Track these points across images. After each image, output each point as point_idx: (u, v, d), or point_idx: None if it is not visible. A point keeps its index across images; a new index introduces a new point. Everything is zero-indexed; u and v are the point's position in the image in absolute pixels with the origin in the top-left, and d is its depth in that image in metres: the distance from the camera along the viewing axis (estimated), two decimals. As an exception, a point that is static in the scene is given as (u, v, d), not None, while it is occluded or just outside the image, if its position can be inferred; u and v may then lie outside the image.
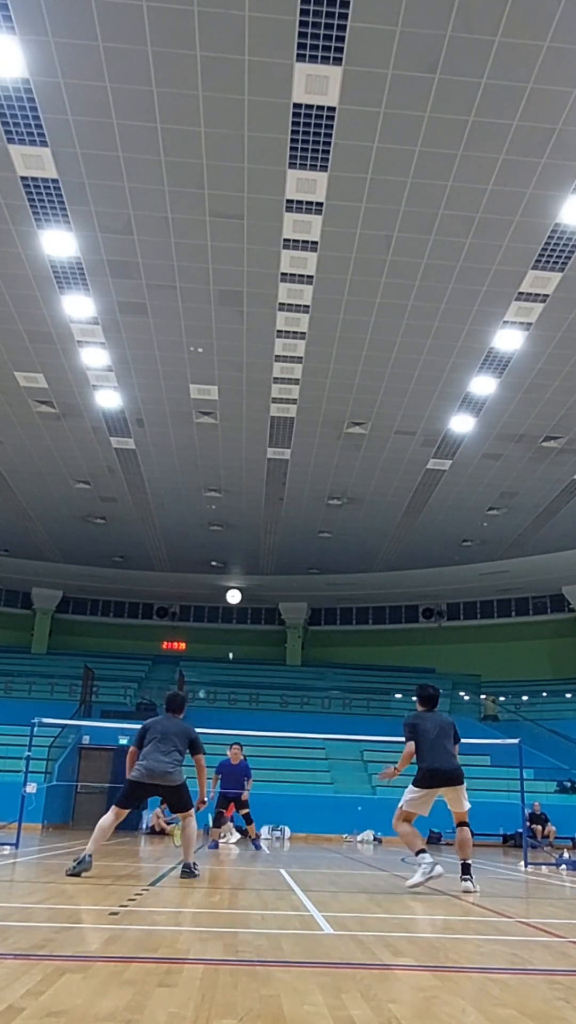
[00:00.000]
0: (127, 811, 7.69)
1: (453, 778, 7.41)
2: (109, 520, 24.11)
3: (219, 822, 13.57)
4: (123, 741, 21.66)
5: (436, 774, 7.37)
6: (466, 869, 7.23)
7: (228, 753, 13.73)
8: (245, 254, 11.78)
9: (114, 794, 20.42)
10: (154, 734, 7.66)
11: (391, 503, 21.67)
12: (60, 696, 25.98)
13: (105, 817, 7.54)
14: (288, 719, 23.92)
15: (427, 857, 7.06)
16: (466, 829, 7.57)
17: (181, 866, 7.58)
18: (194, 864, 7.50)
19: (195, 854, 7.83)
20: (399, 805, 7.57)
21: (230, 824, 14.41)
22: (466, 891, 6.99)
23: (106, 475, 20.55)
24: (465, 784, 7.54)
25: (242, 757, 13.74)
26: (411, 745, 7.45)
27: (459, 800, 7.49)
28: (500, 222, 10.90)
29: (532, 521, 22.80)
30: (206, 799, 8.20)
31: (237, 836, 14.72)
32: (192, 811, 7.78)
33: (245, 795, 13.45)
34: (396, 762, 7.82)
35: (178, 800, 7.73)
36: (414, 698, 7.90)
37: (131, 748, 7.82)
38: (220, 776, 13.41)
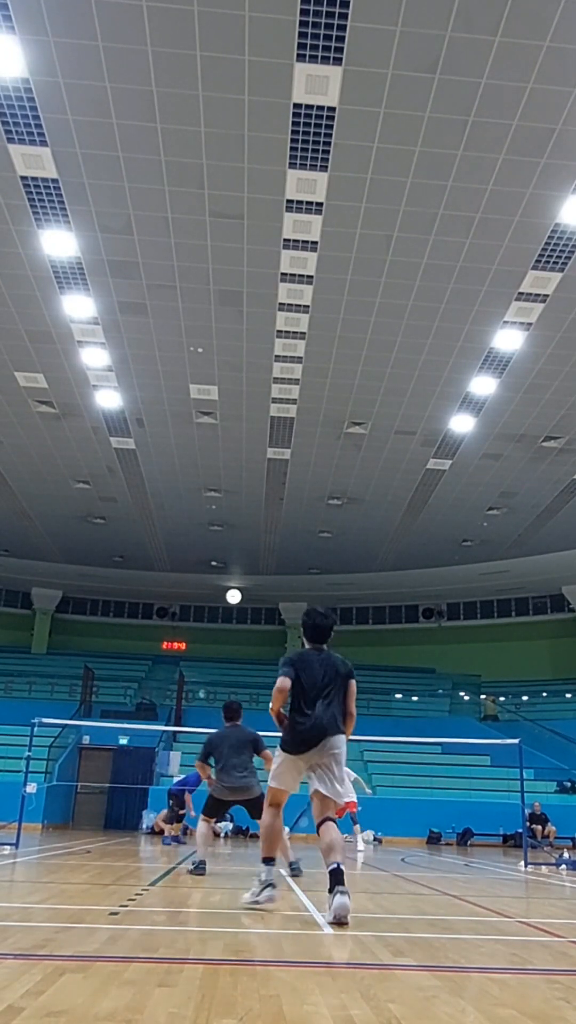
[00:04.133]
0: (214, 819, 8.46)
1: (329, 733, 5.16)
2: (109, 520, 24.11)
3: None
4: (123, 741, 21.69)
5: (311, 733, 5.15)
6: (338, 877, 4.74)
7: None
8: (245, 254, 11.78)
9: (114, 794, 20.58)
10: (223, 748, 7.98)
11: (391, 503, 21.67)
12: (60, 696, 25.99)
13: (200, 826, 8.40)
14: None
15: (266, 872, 5.26)
16: (332, 826, 5.05)
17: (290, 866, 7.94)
18: (293, 861, 8.00)
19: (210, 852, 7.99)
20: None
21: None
22: (340, 912, 4.63)
23: (106, 475, 20.55)
24: (344, 755, 5.26)
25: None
26: (285, 681, 5.20)
27: (330, 778, 5.13)
28: (500, 222, 10.90)
29: (532, 521, 22.80)
30: None
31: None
32: None
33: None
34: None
35: (259, 808, 7.77)
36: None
37: (198, 762, 8.38)
38: None
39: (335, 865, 4.77)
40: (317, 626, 5.55)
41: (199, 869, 7.80)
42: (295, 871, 7.92)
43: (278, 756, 5.34)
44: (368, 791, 13.89)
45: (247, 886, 5.52)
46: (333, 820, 5.09)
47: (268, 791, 5.43)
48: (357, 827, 14.11)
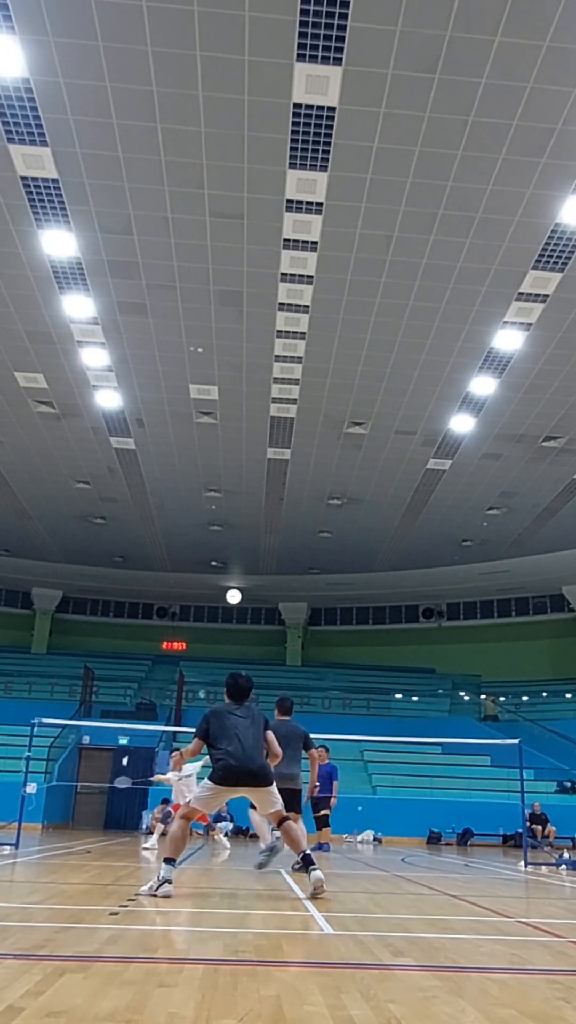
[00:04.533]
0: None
1: (259, 778, 6.22)
2: (109, 520, 24.12)
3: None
4: (123, 741, 21.69)
5: (238, 772, 6.11)
6: (308, 860, 6.14)
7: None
8: (245, 254, 11.78)
9: (114, 793, 20.56)
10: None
11: (391, 503, 21.67)
12: (60, 696, 25.99)
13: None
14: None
15: (166, 870, 5.85)
16: (291, 823, 6.36)
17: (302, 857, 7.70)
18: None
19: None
20: (187, 799, 6.70)
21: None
22: (317, 883, 5.89)
23: (106, 475, 20.55)
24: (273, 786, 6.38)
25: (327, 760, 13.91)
26: (198, 742, 6.35)
27: (269, 801, 6.31)
28: (500, 222, 10.90)
29: (532, 521, 22.80)
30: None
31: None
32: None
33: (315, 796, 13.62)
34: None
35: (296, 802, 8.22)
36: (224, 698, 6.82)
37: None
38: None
39: (303, 853, 6.23)
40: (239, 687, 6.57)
41: (272, 852, 7.42)
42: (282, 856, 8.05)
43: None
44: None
45: (247, 886, 5.53)
46: (290, 819, 6.36)
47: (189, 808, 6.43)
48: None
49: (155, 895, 5.68)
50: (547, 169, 9.95)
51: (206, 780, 6.26)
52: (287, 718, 8.88)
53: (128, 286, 12.63)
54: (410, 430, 17.30)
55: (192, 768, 12.60)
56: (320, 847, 13.57)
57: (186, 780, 12.50)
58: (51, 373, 15.41)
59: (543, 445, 17.73)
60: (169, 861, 5.90)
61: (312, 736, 9.07)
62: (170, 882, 5.76)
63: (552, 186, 10.23)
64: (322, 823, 13.90)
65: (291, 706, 9.06)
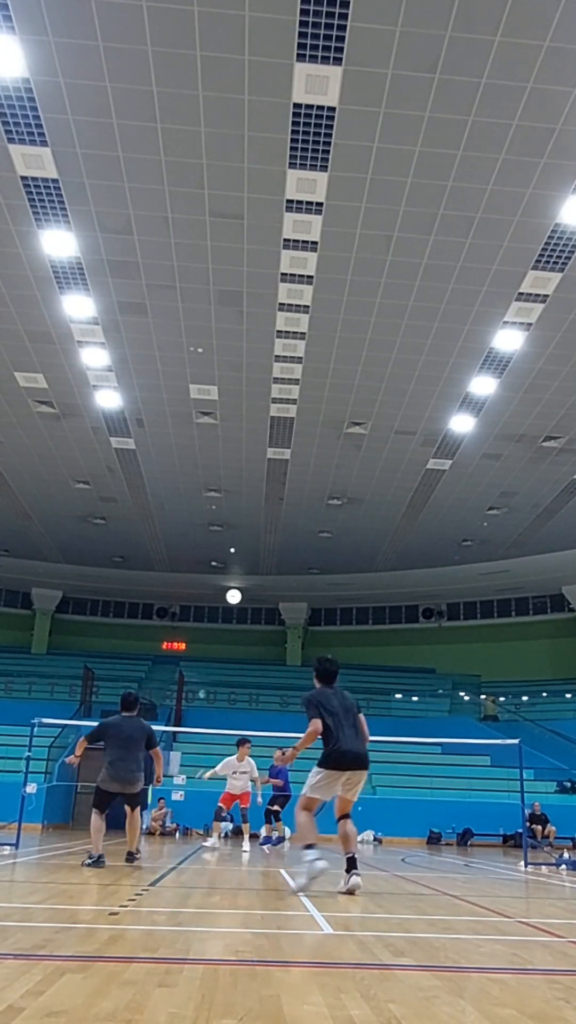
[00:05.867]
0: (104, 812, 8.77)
1: (362, 762, 6.61)
2: (109, 520, 24.11)
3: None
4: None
5: (346, 756, 6.52)
6: (352, 863, 6.55)
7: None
8: (245, 254, 11.78)
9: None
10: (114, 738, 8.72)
11: (391, 503, 21.67)
12: (60, 696, 25.98)
13: (93, 820, 8.63)
14: (288, 719, 23.84)
15: (312, 853, 6.34)
16: (350, 822, 6.78)
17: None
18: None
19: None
20: (302, 791, 6.71)
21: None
22: (353, 887, 6.39)
23: (106, 475, 20.55)
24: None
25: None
26: (317, 723, 6.56)
27: (358, 788, 6.70)
28: (500, 222, 10.90)
29: (532, 521, 22.80)
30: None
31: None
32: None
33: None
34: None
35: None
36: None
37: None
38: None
39: (351, 854, 6.56)
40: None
41: (98, 863, 8.06)
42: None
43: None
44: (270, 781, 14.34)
45: (247, 886, 5.53)
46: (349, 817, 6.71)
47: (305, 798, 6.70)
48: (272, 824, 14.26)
49: (314, 877, 6.30)
50: (547, 169, 9.95)
51: (317, 768, 6.59)
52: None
53: (128, 286, 12.63)
54: (410, 430, 17.30)
55: (250, 765, 13.29)
56: (275, 841, 14.04)
57: (239, 774, 13.16)
58: (51, 373, 15.40)
59: (543, 445, 17.73)
60: (310, 846, 6.43)
61: None
62: (320, 858, 6.28)
63: (552, 186, 10.23)
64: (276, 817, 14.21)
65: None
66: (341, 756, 6.48)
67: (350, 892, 6.37)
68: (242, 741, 13.51)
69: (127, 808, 8.75)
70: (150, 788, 14.34)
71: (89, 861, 8.15)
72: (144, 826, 17.85)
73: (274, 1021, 2.54)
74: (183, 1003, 2.73)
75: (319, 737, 6.56)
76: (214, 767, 13.64)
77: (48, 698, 25.76)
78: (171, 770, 20.48)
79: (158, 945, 3.94)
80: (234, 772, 13.28)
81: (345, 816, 6.71)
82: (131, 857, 8.74)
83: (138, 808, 8.85)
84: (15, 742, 17.61)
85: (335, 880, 6.70)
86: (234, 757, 13.43)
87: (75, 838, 15.19)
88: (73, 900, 5.62)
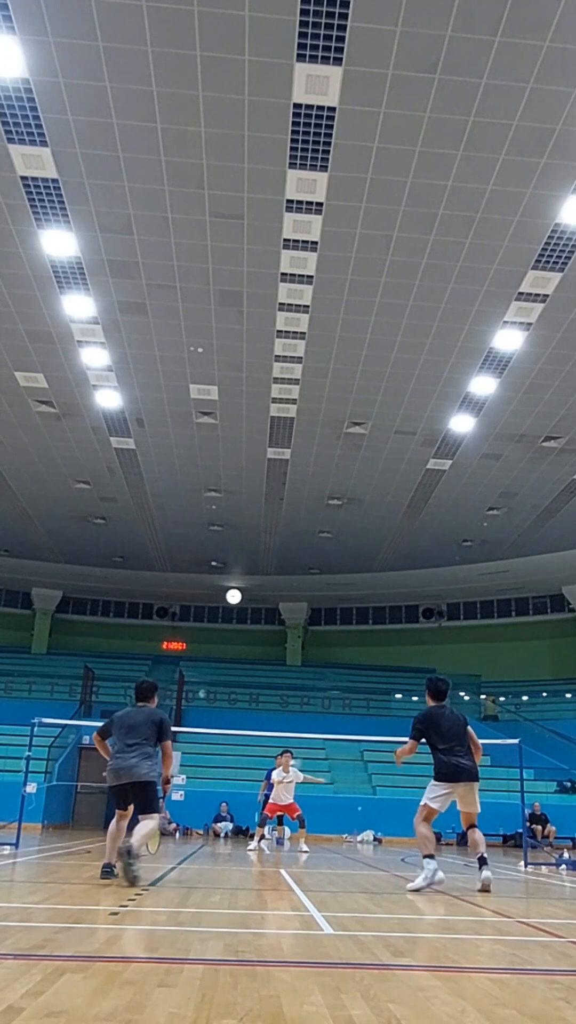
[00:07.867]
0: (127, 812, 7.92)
1: (471, 775, 7.44)
2: (109, 520, 24.11)
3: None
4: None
5: (455, 770, 7.38)
6: (483, 861, 7.35)
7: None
8: (245, 254, 11.78)
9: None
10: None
11: (391, 503, 21.66)
12: (60, 696, 25.97)
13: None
14: (288, 719, 23.91)
15: (432, 863, 7.14)
16: (478, 831, 7.59)
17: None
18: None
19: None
20: (421, 802, 7.53)
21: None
22: (486, 881, 7.17)
23: (106, 475, 20.55)
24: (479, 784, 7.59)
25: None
26: (413, 744, 7.63)
27: (475, 799, 7.51)
28: (500, 222, 10.89)
29: (532, 521, 22.79)
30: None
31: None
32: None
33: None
34: (395, 761, 8.07)
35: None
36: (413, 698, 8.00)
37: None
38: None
39: (482, 855, 7.33)
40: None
41: (110, 874, 7.00)
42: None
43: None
44: (320, 780, 14.26)
45: (247, 886, 5.53)
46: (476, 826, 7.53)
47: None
48: (302, 830, 14.00)
49: (433, 884, 7.04)
50: (547, 169, 9.95)
51: (435, 782, 7.42)
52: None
53: (128, 286, 12.63)
54: (410, 430, 17.30)
55: (295, 775, 13.56)
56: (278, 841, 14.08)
57: (286, 784, 13.43)
58: (51, 373, 15.40)
59: (543, 445, 17.73)
60: (429, 858, 7.21)
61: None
62: (439, 869, 7.19)
63: (552, 186, 10.23)
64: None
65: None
66: (451, 770, 7.34)
67: (484, 887, 7.14)
68: (283, 752, 13.61)
69: (140, 819, 7.33)
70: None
71: (103, 873, 7.08)
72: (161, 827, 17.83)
73: (274, 1021, 2.54)
74: (183, 1003, 2.73)
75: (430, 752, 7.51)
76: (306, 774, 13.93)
77: (48, 698, 25.76)
78: (171, 770, 20.49)
79: (158, 945, 3.94)
80: (280, 781, 13.47)
81: (472, 826, 7.55)
82: (125, 852, 6.73)
83: (154, 816, 7.32)
84: (15, 742, 17.62)
85: (342, 881, 6.74)
86: (280, 768, 13.53)
87: (75, 838, 15.20)
88: (73, 900, 5.62)
